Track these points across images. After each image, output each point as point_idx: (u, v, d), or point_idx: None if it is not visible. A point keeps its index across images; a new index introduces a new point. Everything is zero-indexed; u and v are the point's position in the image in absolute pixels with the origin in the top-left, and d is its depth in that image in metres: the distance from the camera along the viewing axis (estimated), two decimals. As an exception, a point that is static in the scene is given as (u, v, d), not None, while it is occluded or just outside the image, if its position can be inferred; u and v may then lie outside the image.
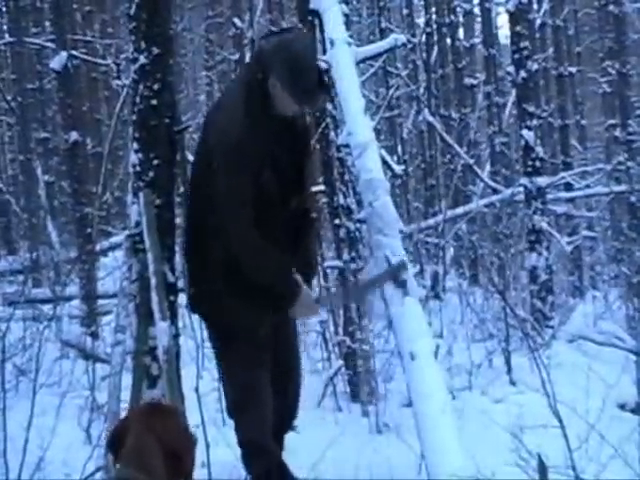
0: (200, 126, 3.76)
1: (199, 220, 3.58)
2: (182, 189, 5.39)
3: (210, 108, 3.93)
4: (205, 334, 4.26)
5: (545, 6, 15.42)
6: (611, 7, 13.17)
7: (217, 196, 3.46)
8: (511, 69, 8.64)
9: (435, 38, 15.40)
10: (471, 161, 11.82)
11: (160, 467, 2.40)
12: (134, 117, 3.80)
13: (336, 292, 3.74)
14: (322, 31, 4.78)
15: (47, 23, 13.61)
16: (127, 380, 3.79)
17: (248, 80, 3.56)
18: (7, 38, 14.23)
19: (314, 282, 4.03)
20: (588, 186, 11.28)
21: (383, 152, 5.59)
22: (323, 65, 3.97)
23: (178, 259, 3.96)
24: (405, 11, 16.47)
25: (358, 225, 5.67)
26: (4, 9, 15.71)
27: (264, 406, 3.64)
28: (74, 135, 8.26)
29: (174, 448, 2.45)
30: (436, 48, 15.39)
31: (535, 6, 14.99)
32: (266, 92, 3.48)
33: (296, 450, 4.30)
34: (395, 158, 12.51)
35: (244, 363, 3.59)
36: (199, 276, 3.61)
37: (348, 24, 5.28)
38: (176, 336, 3.81)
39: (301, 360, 3.96)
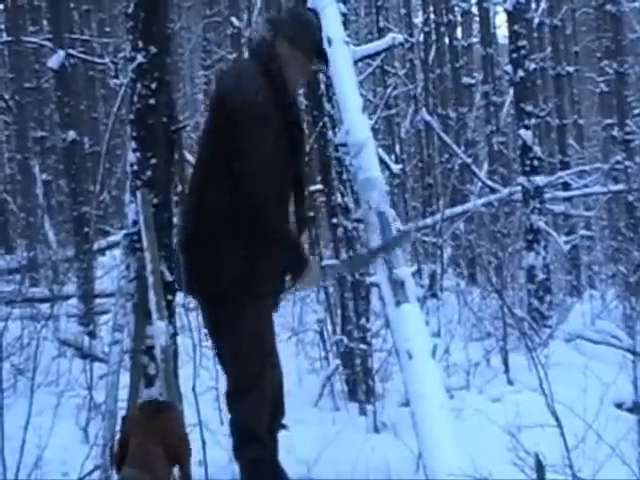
0: (212, 95, 3.82)
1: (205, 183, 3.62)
2: (180, 188, 5.39)
3: (222, 77, 4.00)
4: (202, 334, 4.26)
5: (543, 5, 15.43)
6: (608, 7, 13.17)
7: (242, 151, 3.50)
8: (509, 68, 8.64)
9: (433, 37, 15.42)
10: (469, 160, 11.83)
11: (162, 466, 2.56)
12: (132, 116, 3.80)
13: (339, 263, 3.89)
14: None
15: (45, 22, 13.57)
16: (125, 379, 3.78)
17: (256, 50, 3.73)
18: (4, 37, 14.22)
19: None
20: (586, 185, 11.29)
21: (380, 151, 5.59)
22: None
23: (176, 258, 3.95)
24: (403, 10, 16.49)
25: (355, 224, 5.67)
26: (1, 7, 15.68)
27: (264, 396, 3.66)
28: (72, 134, 8.25)
29: (174, 447, 2.61)
30: (434, 47, 15.41)
31: (533, 5, 14.99)
32: (274, 57, 3.59)
33: (294, 449, 4.30)
34: (393, 157, 12.53)
35: (251, 343, 3.59)
36: (210, 247, 3.61)
37: (346, 23, 5.28)
38: (174, 335, 3.80)
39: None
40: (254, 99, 3.49)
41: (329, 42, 4.47)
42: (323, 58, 3.79)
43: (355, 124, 4.17)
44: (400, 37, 6.12)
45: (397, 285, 3.68)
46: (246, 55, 4.00)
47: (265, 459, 3.72)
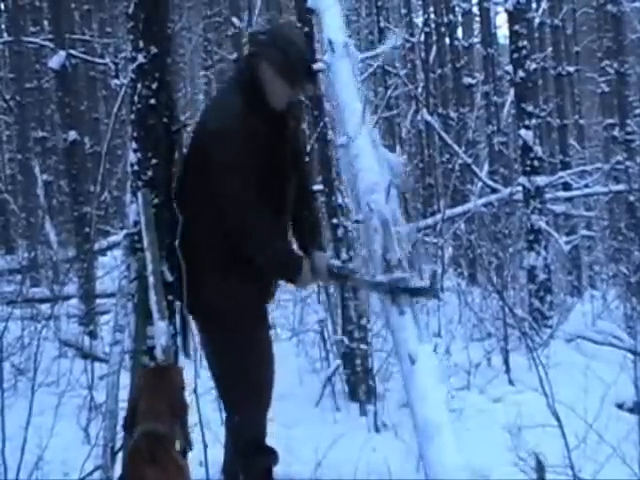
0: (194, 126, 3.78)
1: (194, 216, 3.60)
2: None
3: (204, 108, 3.99)
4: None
5: (544, 5, 15.44)
6: (609, 7, 13.17)
7: (219, 189, 3.46)
8: (510, 68, 8.64)
9: (434, 37, 15.42)
10: (469, 160, 11.82)
11: (169, 419, 3.10)
12: (132, 116, 3.79)
13: (352, 277, 3.82)
14: (320, 31, 4.78)
15: (45, 22, 13.58)
16: (125, 379, 3.78)
17: (240, 72, 3.65)
18: (5, 37, 14.22)
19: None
20: (586, 185, 11.28)
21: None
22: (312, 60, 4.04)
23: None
24: (403, 10, 16.50)
25: (356, 225, 5.67)
26: (2, 8, 15.68)
27: (266, 404, 3.67)
28: (72, 134, 8.24)
29: (176, 403, 3.16)
30: (434, 47, 15.41)
31: (534, 5, 15.00)
32: (258, 81, 3.52)
33: (295, 449, 4.31)
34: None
35: (248, 357, 3.60)
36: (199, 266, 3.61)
37: (346, 24, 5.28)
38: (174, 335, 3.80)
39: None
40: (224, 124, 3.45)
41: (330, 43, 4.46)
42: (309, 80, 3.70)
43: (356, 127, 4.15)
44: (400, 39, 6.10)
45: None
46: (232, 76, 3.90)
47: (271, 468, 3.73)
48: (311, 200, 3.91)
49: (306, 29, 5.78)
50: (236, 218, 3.48)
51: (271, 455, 3.73)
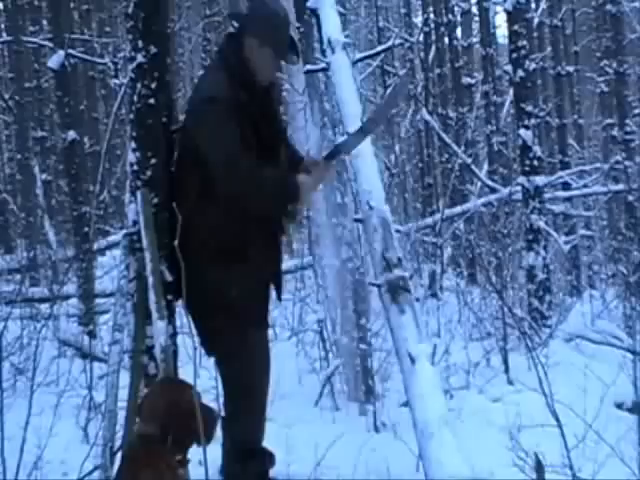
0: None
1: (190, 203, 3.59)
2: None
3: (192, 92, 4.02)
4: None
5: (543, 5, 15.44)
6: (609, 6, 13.16)
7: (208, 155, 3.47)
8: (509, 68, 8.64)
9: (433, 37, 15.42)
10: (469, 160, 11.83)
11: (163, 422, 3.02)
12: (132, 116, 3.79)
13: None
14: (320, 30, 4.78)
15: (45, 22, 13.58)
16: (125, 379, 3.78)
17: (223, 56, 3.66)
18: (5, 37, 14.23)
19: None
20: (586, 185, 11.29)
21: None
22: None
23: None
24: (403, 10, 16.50)
25: (355, 224, 5.67)
26: (2, 7, 15.69)
27: (263, 404, 3.67)
28: (72, 134, 8.24)
29: (183, 413, 3.06)
30: (434, 47, 15.41)
31: (533, 5, 15.00)
32: (244, 60, 3.55)
33: (294, 449, 4.31)
34: (392, 157, 12.54)
35: (245, 356, 3.60)
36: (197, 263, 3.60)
37: (345, 23, 5.29)
38: (173, 335, 3.80)
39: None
40: (212, 92, 3.50)
41: (329, 43, 4.47)
42: (294, 51, 3.71)
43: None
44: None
45: (397, 286, 3.66)
46: (214, 63, 3.91)
47: (267, 471, 3.73)
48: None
49: (304, 29, 5.80)
50: (219, 156, 3.45)
51: (267, 458, 3.72)
